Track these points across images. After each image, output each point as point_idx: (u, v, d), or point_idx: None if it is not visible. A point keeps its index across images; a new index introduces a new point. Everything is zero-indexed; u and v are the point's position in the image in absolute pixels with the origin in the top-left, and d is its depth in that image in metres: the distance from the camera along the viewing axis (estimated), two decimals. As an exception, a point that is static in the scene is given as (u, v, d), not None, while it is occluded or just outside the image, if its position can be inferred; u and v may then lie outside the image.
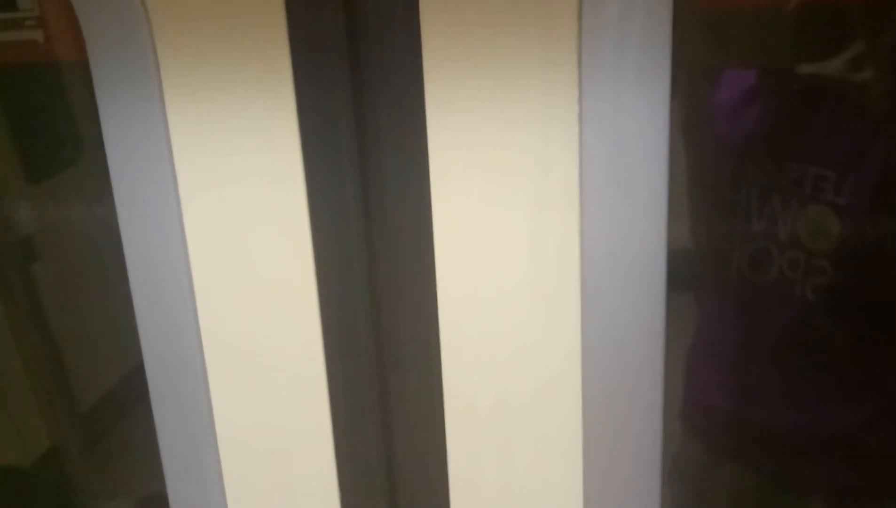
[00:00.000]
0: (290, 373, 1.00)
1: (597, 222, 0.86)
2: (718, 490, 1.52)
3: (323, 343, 0.98)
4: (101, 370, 1.69)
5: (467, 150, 0.86)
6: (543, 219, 0.87)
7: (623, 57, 0.78)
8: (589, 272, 0.88)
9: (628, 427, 0.94)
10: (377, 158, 0.90)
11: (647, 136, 0.81)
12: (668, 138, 0.81)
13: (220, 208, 0.95)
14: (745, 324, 1.41)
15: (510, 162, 0.86)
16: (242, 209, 0.94)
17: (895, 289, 1.24)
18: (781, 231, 1.32)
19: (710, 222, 1.40)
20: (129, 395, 1.66)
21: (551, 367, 0.93)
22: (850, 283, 1.26)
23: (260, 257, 0.96)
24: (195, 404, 1.03)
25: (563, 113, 0.82)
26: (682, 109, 1.25)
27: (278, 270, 0.96)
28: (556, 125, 0.82)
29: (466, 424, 0.98)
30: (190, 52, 0.89)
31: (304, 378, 1.00)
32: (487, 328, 0.93)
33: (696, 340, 1.48)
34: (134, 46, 0.89)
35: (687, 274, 1.40)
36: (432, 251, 0.91)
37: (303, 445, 1.03)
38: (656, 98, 0.79)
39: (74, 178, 1.23)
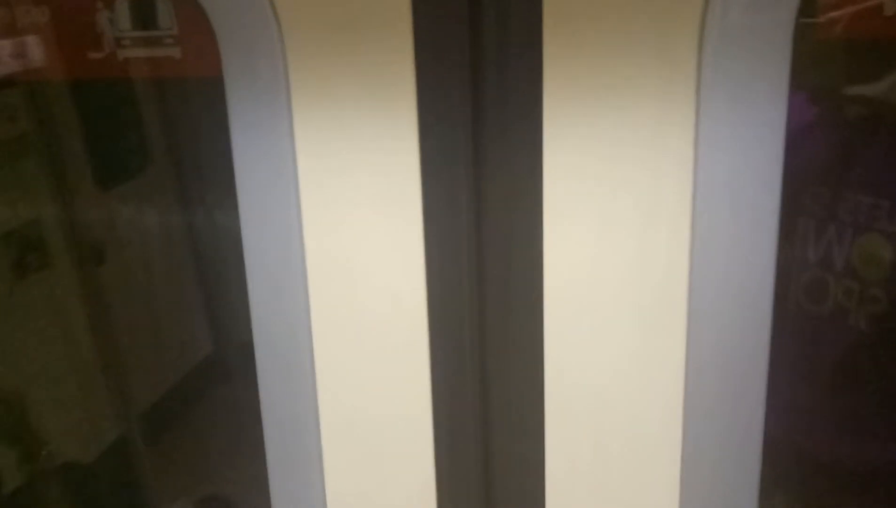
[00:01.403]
0: (396, 384, 1.04)
1: (707, 251, 0.89)
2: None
3: (429, 361, 1.02)
4: (166, 370, 1.74)
5: (581, 179, 0.91)
6: (652, 247, 0.91)
7: (741, 85, 0.83)
8: (697, 301, 0.91)
9: (728, 452, 0.98)
10: (492, 184, 0.95)
11: (762, 164, 0.85)
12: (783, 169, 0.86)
13: (339, 224, 1.01)
14: (801, 353, 1.45)
15: (623, 192, 0.90)
16: (360, 227, 1.00)
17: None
18: (837, 260, 1.38)
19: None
20: (192, 397, 1.71)
21: (654, 396, 0.96)
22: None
23: (374, 273, 1.01)
24: (303, 400, 1.08)
25: (677, 143, 0.86)
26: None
27: (390, 288, 1.01)
28: (670, 156, 0.87)
29: (565, 453, 1.01)
30: (320, 74, 0.96)
31: (408, 388, 1.04)
32: (591, 355, 0.97)
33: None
34: (267, 65, 0.96)
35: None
36: (542, 277, 0.96)
37: (403, 446, 1.07)
38: (772, 126, 0.84)
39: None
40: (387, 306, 1.01)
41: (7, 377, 1.64)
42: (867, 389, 1.40)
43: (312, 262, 1.02)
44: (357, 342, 1.03)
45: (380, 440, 1.07)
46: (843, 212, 1.36)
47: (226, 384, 1.72)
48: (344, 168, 0.98)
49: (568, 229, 0.93)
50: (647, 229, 0.90)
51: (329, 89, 0.96)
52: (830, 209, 1.36)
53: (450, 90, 0.93)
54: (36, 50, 1.05)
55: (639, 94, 0.86)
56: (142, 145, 1.43)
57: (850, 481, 1.43)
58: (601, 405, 0.97)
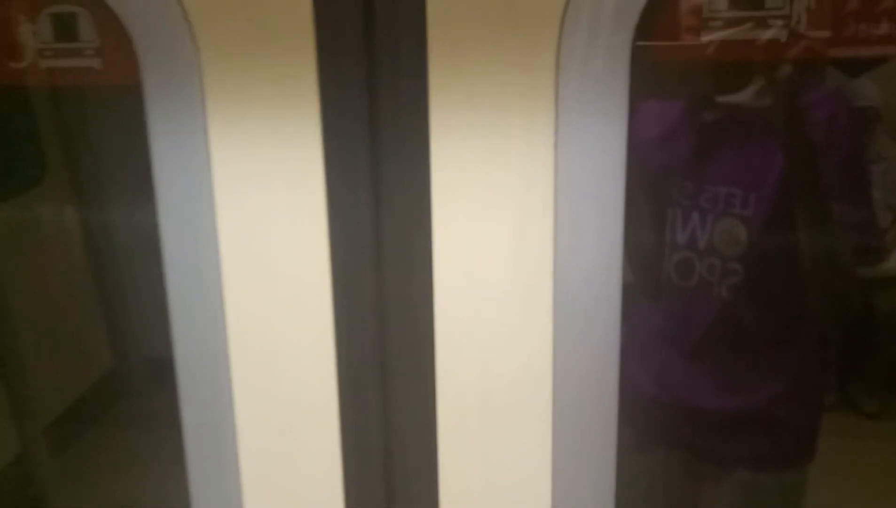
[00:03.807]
0: (304, 363, 1.15)
1: (568, 230, 1.05)
2: (649, 469, 1.72)
3: (334, 333, 1.14)
4: (70, 379, 1.75)
5: (463, 169, 1.05)
6: (524, 227, 1.06)
7: (590, 96, 0.98)
8: (561, 272, 1.07)
9: (592, 406, 1.12)
10: (387, 172, 1.08)
11: (610, 161, 1.01)
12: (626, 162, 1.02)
13: (251, 221, 1.11)
14: (674, 322, 1.64)
15: (498, 179, 1.05)
16: (269, 215, 1.11)
17: (795, 283, 1.51)
18: (700, 242, 1.57)
19: (644, 237, 1.64)
20: (98, 406, 1.73)
21: (528, 352, 1.11)
22: (758, 280, 1.52)
23: (282, 257, 1.12)
24: (219, 387, 1.18)
25: (541, 143, 1.01)
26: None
27: (297, 269, 1.12)
28: (536, 155, 1.02)
29: (455, 404, 1.15)
30: (233, 81, 1.06)
31: (314, 366, 1.15)
32: (475, 319, 1.11)
33: (629, 338, 1.70)
34: (183, 74, 1.06)
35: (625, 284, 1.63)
36: (430, 253, 1.09)
37: (310, 424, 1.18)
38: (616, 129, 1.00)
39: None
40: (294, 294, 1.12)
41: None
42: (731, 347, 1.60)
43: (227, 258, 1.12)
44: (268, 330, 1.14)
45: (289, 424, 1.17)
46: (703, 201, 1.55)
47: (128, 397, 1.75)
48: (255, 169, 1.08)
49: (454, 220, 1.07)
50: (520, 216, 1.05)
51: (241, 96, 1.06)
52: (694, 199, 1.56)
53: (348, 95, 1.04)
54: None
55: (508, 105, 1.00)
56: (59, 151, 1.47)
57: (720, 427, 1.63)
58: (483, 363, 1.12)
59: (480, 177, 1.05)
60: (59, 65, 1.10)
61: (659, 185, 1.60)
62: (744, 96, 1.41)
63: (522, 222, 1.05)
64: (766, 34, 0.91)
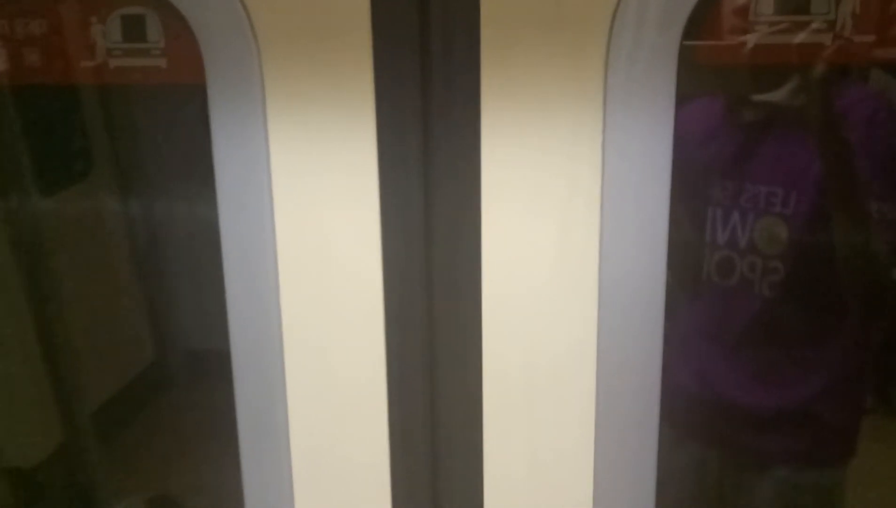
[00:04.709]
0: (354, 353, 1.19)
1: (613, 227, 1.08)
2: (689, 465, 1.74)
3: (384, 325, 1.17)
4: (114, 369, 1.81)
5: (512, 166, 1.08)
6: (571, 223, 1.09)
7: (638, 96, 1.01)
8: (606, 268, 1.09)
9: (635, 398, 1.15)
10: (438, 169, 1.11)
11: (656, 158, 1.04)
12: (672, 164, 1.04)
13: (305, 209, 1.15)
14: (715, 319, 1.66)
15: (546, 175, 1.08)
16: (324, 210, 1.15)
17: (835, 281, 1.52)
18: (741, 241, 1.59)
19: (684, 235, 1.66)
20: (143, 394, 1.79)
21: (572, 345, 1.14)
22: (799, 278, 1.53)
23: (335, 252, 1.16)
24: (272, 378, 1.22)
25: (588, 144, 1.05)
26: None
27: (349, 263, 1.16)
28: (583, 155, 1.06)
29: (500, 394, 1.18)
30: (291, 82, 1.10)
31: (364, 357, 1.19)
32: (521, 313, 1.14)
33: (669, 335, 1.72)
34: (245, 74, 1.10)
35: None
36: (479, 247, 1.12)
37: (359, 411, 1.22)
38: (663, 129, 1.03)
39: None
40: (347, 287, 1.16)
41: None
42: (772, 344, 1.61)
43: (283, 251, 1.16)
44: (321, 322, 1.18)
45: (340, 410, 1.21)
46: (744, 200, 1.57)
47: (172, 389, 1.79)
48: (311, 167, 1.12)
49: (501, 216, 1.10)
50: (567, 214, 1.08)
51: (298, 94, 1.10)
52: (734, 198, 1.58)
53: (403, 94, 1.08)
54: (35, 57, 1.18)
55: (557, 104, 1.03)
56: (121, 145, 1.54)
57: (759, 425, 1.64)
58: (529, 361, 1.15)
59: (529, 173, 1.08)
60: (127, 64, 1.16)
61: (700, 184, 1.62)
62: (782, 95, 1.42)
63: (569, 219, 1.08)
64: (812, 38, 0.93)
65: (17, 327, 1.71)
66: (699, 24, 0.95)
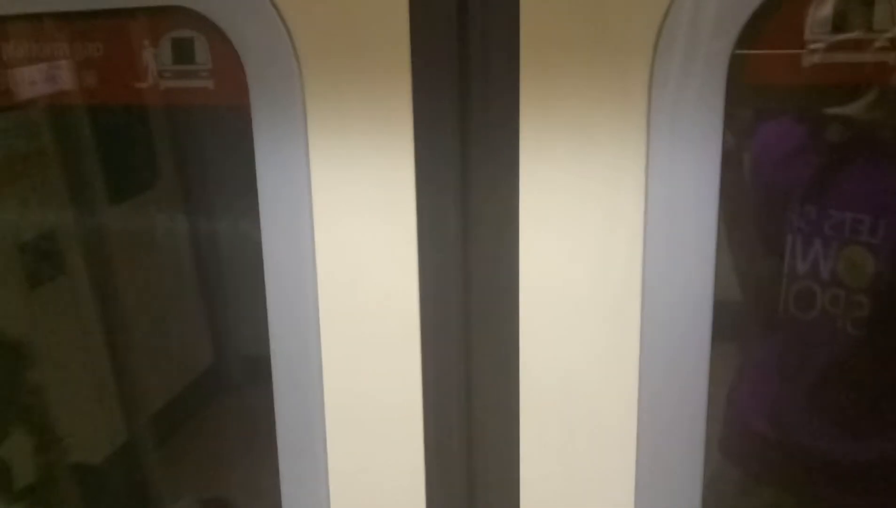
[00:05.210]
0: (391, 366, 1.18)
1: (657, 255, 1.03)
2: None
3: (420, 339, 1.16)
4: (172, 374, 1.86)
5: (551, 195, 1.05)
6: (612, 256, 1.05)
7: (684, 118, 0.96)
8: (649, 303, 1.05)
9: (678, 427, 1.10)
10: (477, 199, 1.10)
11: (703, 186, 0.99)
12: (720, 189, 0.99)
13: (344, 225, 1.15)
14: (792, 357, 1.55)
15: (586, 208, 1.04)
16: (363, 226, 1.14)
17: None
18: (823, 272, 1.47)
19: (760, 263, 1.56)
20: (198, 399, 1.83)
21: (610, 380, 1.10)
22: (887, 314, 1.41)
23: (373, 267, 1.16)
24: (311, 388, 1.23)
25: (631, 166, 1.00)
26: (738, 168, 1.43)
27: (387, 278, 1.15)
28: (625, 177, 1.01)
29: (537, 413, 1.14)
30: (332, 103, 1.11)
31: (401, 369, 1.18)
32: (559, 346, 1.11)
33: (743, 373, 1.62)
34: (288, 96, 1.11)
35: (736, 314, 1.56)
36: (517, 280, 1.10)
37: (395, 422, 1.21)
38: (710, 157, 0.97)
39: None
40: (384, 305, 1.15)
41: (26, 378, 1.77)
42: (855, 388, 1.49)
43: (322, 266, 1.17)
44: (358, 337, 1.18)
45: (376, 424, 1.21)
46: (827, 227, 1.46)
47: (230, 392, 1.82)
48: (350, 183, 1.13)
49: (540, 235, 1.07)
50: (608, 240, 1.03)
51: (339, 115, 1.11)
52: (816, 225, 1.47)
53: (441, 115, 1.07)
54: (90, 78, 1.23)
55: (598, 123, 0.99)
56: (174, 164, 1.61)
57: (835, 477, 1.52)
58: (567, 389, 1.11)
59: (568, 197, 1.04)
60: (177, 85, 1.19)
61: (778, 209, 1.52)
62: (862, 112, 1.31)
63: (610, 245, 1.04)
64: (873, 56, 0.84)
65: (87, 329, 1.78)
66: (749, 43, 0.88)
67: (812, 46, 0.86)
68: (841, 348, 1.45)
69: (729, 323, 1.47)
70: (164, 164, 1.60)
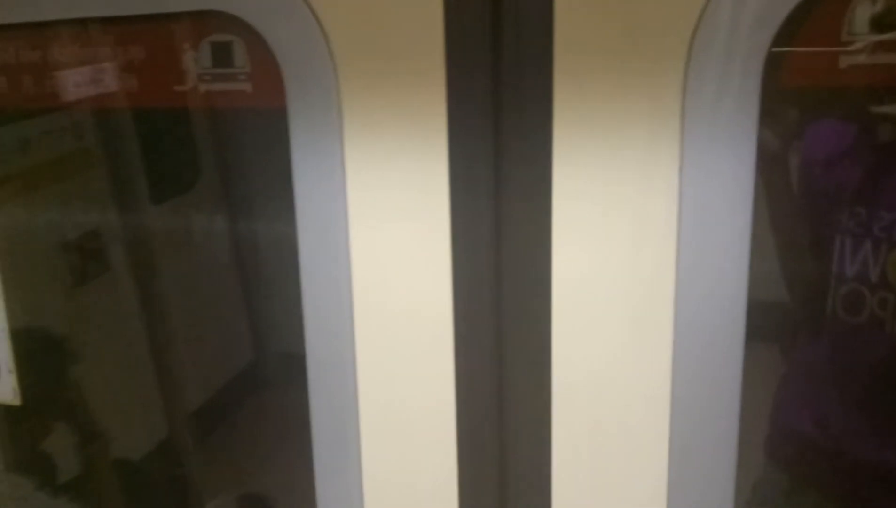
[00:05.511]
0: (424, 368, 1.19)
1: (691, 263, 1.01)
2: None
3: (454, 341, 1.16)
4: (211, 373, 1.89)
5: (584, 198, 1.05)
6: (644, 259, 1.04)
7: (718, 126, 0.95)
8: (682, 306, 1.03)
9: (712, 430, 1.08)
10: (509, 202, 1.09)
11: (737, 190, 0.97)
12: (754, 191, 0.97)
13: (379, 226, 1.15)
14: (839, 361, 1.51)
15: (619, 211, 1.03)
16: (397, 228, 1.15)
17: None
18: (872, 274, 1.43)
19: (808, 266, 1.52)
20: (236, 397, 1.86)
21: (642, 385, 1.08)
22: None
23: (407, 268, 1.16)
24: (345, 388, 1.23)
25: (665, 168, 0.99)
26: (784, 169, 1.40)
27: (420, 279, 1.15)
28: (659, 179, 1.00)
29: (569, 414, 1.14)
30: (367, 107, 1.11)
31: (433, 371, 1.18)
32: (591, 351, 1.10)
33: (789, 375, 1.58)
34: (324, 99, 1.12)
35: (782, 315, 1.52)
36: (550, 284, 1.09)
37: (428, 423, 1.21)
38: (744, 159, 0.96)
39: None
40: (417, 309, 1.15)
41: (69, 374, 1.81)
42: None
43: (357, 269, 1.17)
44: (392, 340, 1.18)
45: (409, 426, 1.21)
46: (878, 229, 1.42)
47: (266, 390, 1.85)
48: (385, 187, 1.13)
49: (573, 241, 1.06)
50: (640, 244, 1.02)
51: (374, 118, 1.11)
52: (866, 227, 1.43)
53: (475, 119, 1.07)
54: (131, 81, 1.25)
55: (632, 128, 0.98)
56: (214, 166, 1.63)
57: (883, 483, 1.48)
58: (599, 393, 1.10)
59: (601, 201, 1.03)
60: (216, 88, 1.20)
61: (828, 210, 1.48)
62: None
63: (643, 252, 1.03)
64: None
65: (130, 327, 1.82)
66: (786, 45, 0.86)
67: (851, 47, 0.84)
68: (889, 352, 1.42)
69: (774, 325, 1.45)
70: (205, 165, 1.62)
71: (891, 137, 1.38)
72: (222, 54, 1.18)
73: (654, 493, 1.11)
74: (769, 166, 1.39)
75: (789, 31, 0.85)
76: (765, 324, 1.16)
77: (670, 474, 1.09)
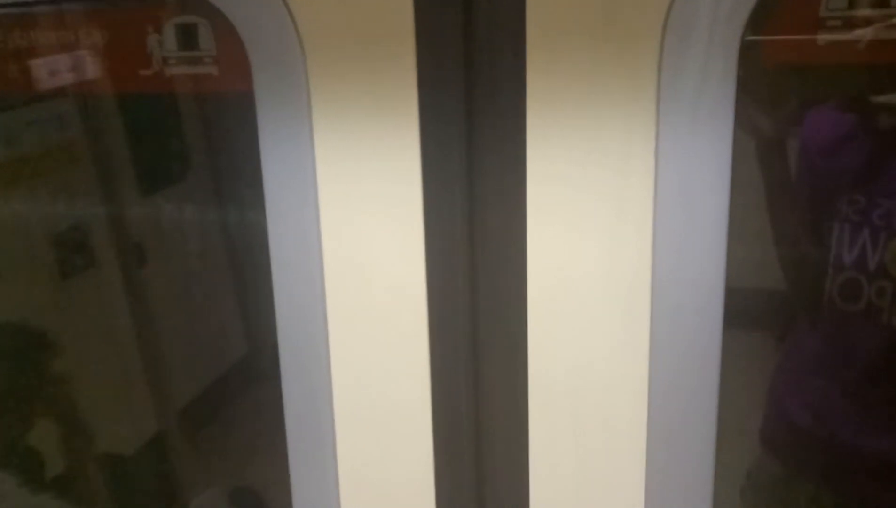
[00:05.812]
0: (398, 360, 1.16)
1: (667, 248, 0.98)
2: (794, 502, 1.57)
3: (428, 332, 1.13)
4: (201, 368, 1.86)
5: (558, 183, 1.01)
6: (621, 244, 1.01)
7: (694, 109, 0.91)
8: (659, 291, 1.01)
9: (688, 418, 1.06)
10: (483, 189, 1.06)
11: (714, 171, 0.94)
12: (731, 175, 0.94)
13: (351, 223, 1.12)
14: (835, 350, 1.47)
15: (594, 196, 1.00)
16: (368, 217, 1.11)
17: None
18: (870, 263, 1.39)
19: (805, 253, 1.48)
20: (226, 392, 1.83)
21: (619, 373, 1.06)
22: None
23: (379, 258, 1.13)
24: (319, 380, 1.20)
25: (640, 153, 0.96)
26: (780, 152, 1.35)
27: (394, 269, 1.12)
28: (634, 164, 0.97)
29: (546, 407, 1.11)
30: (337, 91, 1.07)
31: (408, 364, 1.15)
32: (568, 338, 1.07)
33: (783, 364, 1.55)
34: (292, 83, 1.08)
35: (778, 303, 1.48)
36: (525, 271, 1.06)
37: (403, 417, 1.18)
38: (721, 143, 0.92)
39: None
40: (391, 298, 1.12)
41: (55, 369, 1.79)
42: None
43: (329, 258, 1.14)
44: (365, 330, 1.15)
45: (384, 418, 1.18)
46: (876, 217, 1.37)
47: (258, 383, 1.81)
48: (356, 173, 1.09)
49: (548, 227, 1.03)
50: (616, 229, 0.99)
51: (344, 105, 1.07)
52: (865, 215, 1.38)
53: (447, 104, 1.03)
54: (93, 66, 1.21)
55: (607, 110, 0.95)
56: (180, 153, 1.59)
57: (874, 471, 1.45)
58: (576, 381, 1.08)
59: (576, 184, 1.00)
60: (182, 72, 1.16)
61: (826, 198, 1.43)
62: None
63: (619, 233, 1.00)
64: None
65: (120, 321, 1.79)
66: (762, 24, 0.81)
67: (829, 24, 0.79)
68: (886, 341, 1.38)
69: (756, 311, 1.41)
70: (172, 153, 1.58)
71: (891, 123, 1.34)
72: (187, 37, 1.15)
73: (633, 482, 1.09)
74: (760, 151, 1.35)
75: (766, 10, 0.81)
76: (747, 311, 1.13)
77: (648, 463, 1.06)
